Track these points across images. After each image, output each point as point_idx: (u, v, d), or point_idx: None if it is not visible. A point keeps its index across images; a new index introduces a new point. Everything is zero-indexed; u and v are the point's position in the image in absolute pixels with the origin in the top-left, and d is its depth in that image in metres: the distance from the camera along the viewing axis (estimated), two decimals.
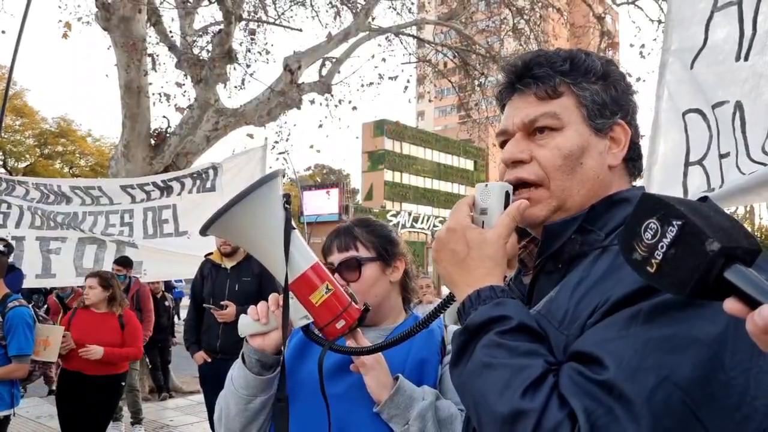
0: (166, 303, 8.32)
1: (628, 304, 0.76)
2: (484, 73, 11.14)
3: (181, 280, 13.89)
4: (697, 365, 0.70)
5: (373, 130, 44.87)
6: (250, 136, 12.91)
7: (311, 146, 28.31)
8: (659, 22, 9.15)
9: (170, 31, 9.27)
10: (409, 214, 42.60)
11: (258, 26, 10.66)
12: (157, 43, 9.46)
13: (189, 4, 9.41)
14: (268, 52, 10.94)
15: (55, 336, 3.96)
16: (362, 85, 11.13)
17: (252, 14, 10.47)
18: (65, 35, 8.66)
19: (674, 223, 0.64)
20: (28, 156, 31.33)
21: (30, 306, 3.82)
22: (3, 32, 9.12)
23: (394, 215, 40.35)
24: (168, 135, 8.43)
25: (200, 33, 9.95)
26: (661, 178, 2.14)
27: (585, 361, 0.75)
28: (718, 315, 0.64)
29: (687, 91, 2.07)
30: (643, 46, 9.81)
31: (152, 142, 8.40)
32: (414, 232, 40.88)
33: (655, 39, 9.62)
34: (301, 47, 9.58)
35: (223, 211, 1.11)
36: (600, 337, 0.76)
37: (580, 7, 11.51)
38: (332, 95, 10.10)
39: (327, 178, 52.77)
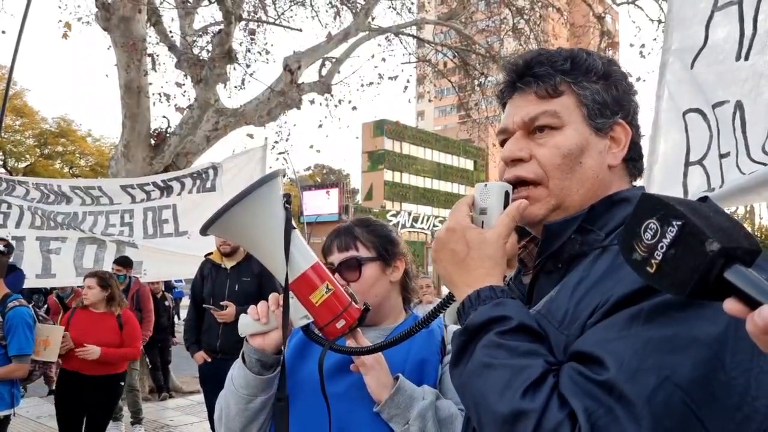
0: (166, 303, 8.32)
1: (629, 304, 0.76)
2: (484, 73, 11.14)
3: (181, 280, 13.89)
4: (697, 365, 0.70)
5: (373, 130, 44.88)
6: (250, 136, 12.90)
7: (311, 146, 28.39)
8: (659, 21, 9.14)
9: (170, 31, 9.27)
10: (409, 214, 42.61)
11: (258, 26, 10.68)
12: (157, 43, 9.47)
13: (189, 4, 9.41)
14: (268, 52, 10.95)
15: (55, 336, 3.96)
16: (362, 85, 11.13)
17: (252, 14, 10.48)
18: (65, 35, 8.66)
19: (674, 223, 0.64)
20: (28, 156, 31.33)
21: (30, 306, 3.82)
22: (3, 32, 9.14)
23: (394, 215, 40.37)
24: (168, 135, 8.43)
25: (200, 33, 9.95)
26: (661, 178, 2.14)
27: (585, 362, 0.75)
28: (719, 315, 0.64)
29: (687, 91, 2.07)
30: (643, 46, 9.81)
31: (152, 142, 8.40)
32: (414, 232, 40.90)
33: (655, 39, 9.63)
34: (301, 47, 9.60)
35: (223, 210, 1.11)
36: (600, 337, 0.76)
37: (580, 6, 11.50)
38: (332, 95, 10.10)
39: (327, 178, 52.77)
